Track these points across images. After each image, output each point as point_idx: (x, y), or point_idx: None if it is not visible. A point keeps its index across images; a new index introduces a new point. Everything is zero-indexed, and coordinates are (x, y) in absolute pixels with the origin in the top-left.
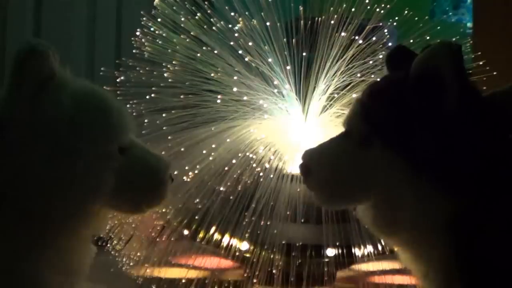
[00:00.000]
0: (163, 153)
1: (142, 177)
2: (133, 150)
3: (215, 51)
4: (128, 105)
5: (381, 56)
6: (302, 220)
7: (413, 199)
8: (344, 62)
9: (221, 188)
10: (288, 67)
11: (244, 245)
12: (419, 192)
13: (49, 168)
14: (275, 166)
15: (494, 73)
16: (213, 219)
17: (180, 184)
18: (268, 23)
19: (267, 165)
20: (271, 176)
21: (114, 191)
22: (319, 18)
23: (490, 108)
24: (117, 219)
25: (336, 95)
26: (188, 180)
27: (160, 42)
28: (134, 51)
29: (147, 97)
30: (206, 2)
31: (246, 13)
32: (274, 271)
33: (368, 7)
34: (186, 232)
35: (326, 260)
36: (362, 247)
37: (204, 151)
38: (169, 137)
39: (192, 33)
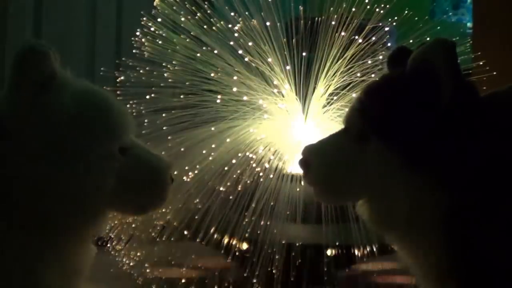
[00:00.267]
0: (163, 153)
1: (143, 178)
2: (134, 150)
3: (215, 51)
4: (128, 105)
5: (381, 57)
6: (302, 220)
7: (408, 194)
8: (344, 62)
9: (221, 188)
10: (288, 67)
11: (244, 245)
12: (413, 187)
13: (49, 168)
14: (275, 166)
15: (494, 73)
16: (213, 219)
17: (180, 184)
18: (268, 23)
19: (267, 165)
20: (271, 176)
21: (114, 192)
22: (319, 18)
23: (488, 106)
24: (117, 219)
25: (336, 95)
26: (188, 180)
27: (160, 42)
28: (134, 51)
29: (147, 97)
30: (206, 2)
31: (246, 13)
32: (274, 271)
33: (368, 7)
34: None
35: (326, 260)
36: (362, 247)
37: (204, 151)
38: (169, 137)
39: (192, 33)
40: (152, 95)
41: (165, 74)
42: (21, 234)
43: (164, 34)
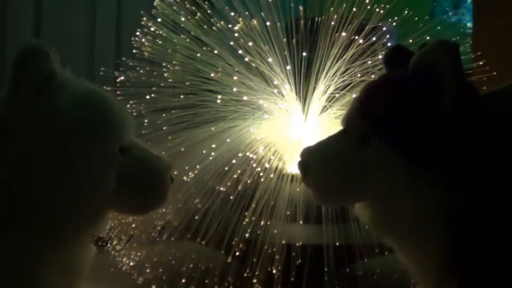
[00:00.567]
0: (163, 153)
1: (143, 178)
2: (134, 150)
3: (215, 51)
4: (128, 105)
5: (380, 56)
6: (302, 220)
7: (411, 196)
8: (344, 62)
9: (221, 188)
10: (288, 67)
11: (244, 245)
12: (416, 189)
13: (50, 168)
14: (275, 166)
15: (494, 73)
16: (213, 219)
17: (180, 184)
18: (268, 23)
19: (267, 165)
20: (271, 176)
21: (114, 192)
22: (319, 18)
23: (487, 106)
24: (117, 219)
25: (336, 95)
26: (188, 180)
27: (160, 42)
28: (134, 51)
29: (147, 97)
30: (206, 2)
31: (246, 13)
32: (274, 271)
33: (368, 7)
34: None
35: (326, 260)
36: (362, 247)
37: (204, 151)
38: (169, 137)
39: (192, 33)
40: (152, 95)
41: (165, 74)
42: (21, 234)
43: (164, 34)
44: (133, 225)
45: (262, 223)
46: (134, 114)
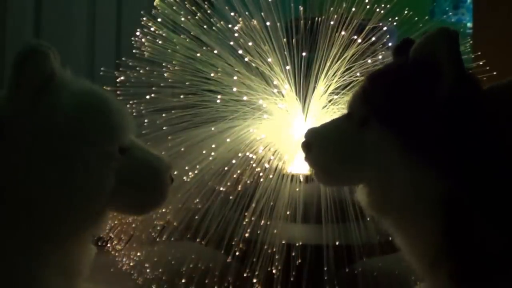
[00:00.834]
0: (163, 153)
1: (142, 178)
2: (134, 150)
3: (215, 51)
4: (128, 105)
5: (380, 56)
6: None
7: (406, 179)
8: (343, 62)
9: (221, 188)
10: (288, 67)
11: (244, 245)
12: (411, 172)
13: (49, 168)
14: (275, 166)
15: (494, 73)
16: (213, 219)
17: (180, 184)
18: (268, 23)
19: (267, 165)
20: (271, 176)
21: (114, 192)
22: (319, 18)
23: (486, 96)
24: (117, 219)
25: (336, 95)
26: (188, 180)
27: (160, 42)
28: (134, 51)
29: (147, 97)
30: (206, 2)
31: (246, 13)
32: (274, 271)
33: (368, 7)
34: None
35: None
36: (362, 247)
37: (204, 151)
38: (169, 137)
39: (192, 33)
40: (152, 95)
41: (165, 74)
42: (21, 234)
43: (164, 34)
44: (133, 225)
45: (262, 223)
46: (134, 114)
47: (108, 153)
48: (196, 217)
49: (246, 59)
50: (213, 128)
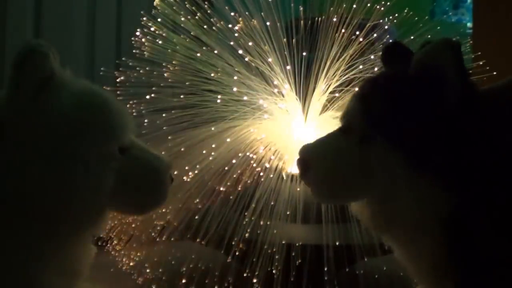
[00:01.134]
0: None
1: (142, 177)
2: (134, 150)
3: (215, 51)
4: (128, 105)
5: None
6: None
7: (411, 195)
8: (343, 62)
9: (221, 188)
10: (288, 67)
11: (244, 245)
12: (417, 188)
13: (49, 168)
14: (275, 166)
15: (494, 73)
16: (213, 219)
17: (180, 184)
18: (268, 23)
19: (267, 165)
20: (271, 176)
21: (114, 192)
22: (319, 18)
23: (488, 103)
24: (117, 219)
25: (336, 95)
26: (188, 180)
27: (160, 42)
28: (134, 51)
29: (147, 97)
30: (206, 2)
31: (246, 13)
32: (274, 271)
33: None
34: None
35: (326, 260)
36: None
37: (204, 151)
38: (169, 137)
39: (192, 33)
40: (152, 95)
41: (165, 74)
42: (21, 235)
43: (164, 34)
44: (133, 225)
45: (262, 223)
46: (134, 114)
47: (108, 153)
48: (196, 217)
49: (246, 59)
50: (213, 128)
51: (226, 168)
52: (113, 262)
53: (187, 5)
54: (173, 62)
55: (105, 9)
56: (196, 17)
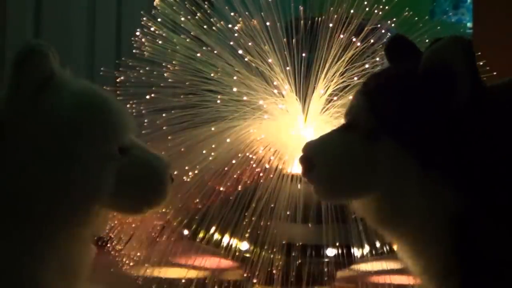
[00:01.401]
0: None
1: (142, 177)
2: (133, 150)
3: (215, 51)
4: (128, 105)
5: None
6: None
7: (419, 194)
8: (344, 63)
9: (221, 188)
10: (288, 67)
11: (244, 245)
12: (425, 187)
13: (49, 168)
14: (275, 166)
15: (494, 73)
16: (213, 219)
17: (180, 184)
18: (268, 23)
19: (267, 165)
20: (271, 176)
21: (114, 192)
22: (319, 18)
23: (498, 104)
24: (117, 219)
25: (336, 95)
26: (188, 180)
27: (160, 42)
28: (134, 51)
29: (147, 97)
30: (206, 2)
31: (246, 13)
32: (274, 271)
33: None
34: (186, 232)
35: (326, 260)
36: (361, 247)
37: (204, 151)
38: (169, 137)
39: (192, 33)
40: (152, 95)
41: (165, 74)
42: (20, 235)
43: (164, 34)
44: (133, 225)
45: (262, 223)
46: (134, 114)
47: (108, 153)
48: (196, 217)
49: (246, 59)
50: (213, 128)
51: (226, 168)
52: (113, 262)
53: (187, 5)
54: (173, 62)
55: (105, 9)
56: (196, 17)
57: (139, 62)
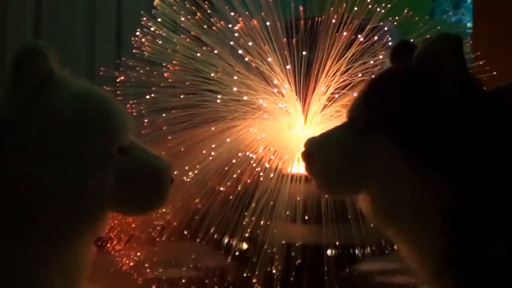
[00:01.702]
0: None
1: (142, 178)
2: (133, 150)
3: (215, 51)
4: (128, 105)
5: (381, 56)
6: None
7: (409, 188)
8: (344, 62)
9: (221, 188)
10: (288, 67)
11: (244, 245)
12: (415, 181)
13: (48, 169)
14: (275, 166)
15: (494, 73)
16: (213, 219)
17: (180, 184)
18: (268, 23)
19: (267, 165)
20: (271, 176)
21: (114, 192)
22: (319, 18)
23: (489, 99)
24: (117, 219)
25: (336, 95)
26: (188, 180)
27: (160, 42)
28: (134, 51)
29: (147, 97)
30: (206, 2)
31: (246, 13)
32: (274, 271)
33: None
34: (186, 232)
35: (326, 260)
36: (362, 247)
37: (204, 151)
38: (169, 137)
39: (192, 33)
40: (152, 95)
41: (165, 74)
42: (21, 235)
43: (164, 34)
44: (133, 225)
45: (262, 223)
46: (134, 114)
47: (108, 154)
48: (196, 217)
49: (246, 59)
50: (213, 128)
51: (226, 168)
52: (113, 262)
53: (187, 5)
54: (173, 62)
55: (105, 9)
56: (196, 17)
57: (139, 62)
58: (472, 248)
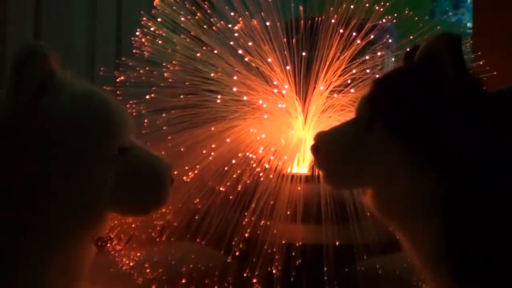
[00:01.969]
0: (163, 153)
1: (142, 178)
2: (133, 150)
3: (215, 51)
4: (128, 105)
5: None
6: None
7: (408, 181)
8: (344, 61)
9: (221, 188)
10: (288, 67)
11: (244, 245)
12: (414, 175)
13: (48, 169)
14: (275, 166)
15: (494, 73)
16: (213, 219)
17: (180, 184)
18: (268, 23)
19: (267, 165)
20: (271, 176)
21: (114, 193)
22: (319, 18)
23: (489, 99)
24: (117, 219)
25: (336, 95)
26: (188, 180)
27: (160, 42)
28: (134, 51)
29: (147, 97)
30: (206, 2)
31: (246, 13)
32: (274, 271)
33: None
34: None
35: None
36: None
37: (204, 151)
38: (169, 137)
39: (192, 33)
40: (152, 95)
41: (165, 74)
42: (21, 235)
43: (164, 34)
44: (133, 225)
45: (262, 223)
46: (134, 114)
47: (108, 154)
48: (196, 217)
49: (246, 59)
50: (213, 128)
51: (226, 168)
52: (113, 262)
53: (187, 5)
54: (173, 62)
55: (105, 9)
56: (196, 17)
57: (139, 62)
58: (467, 243)
